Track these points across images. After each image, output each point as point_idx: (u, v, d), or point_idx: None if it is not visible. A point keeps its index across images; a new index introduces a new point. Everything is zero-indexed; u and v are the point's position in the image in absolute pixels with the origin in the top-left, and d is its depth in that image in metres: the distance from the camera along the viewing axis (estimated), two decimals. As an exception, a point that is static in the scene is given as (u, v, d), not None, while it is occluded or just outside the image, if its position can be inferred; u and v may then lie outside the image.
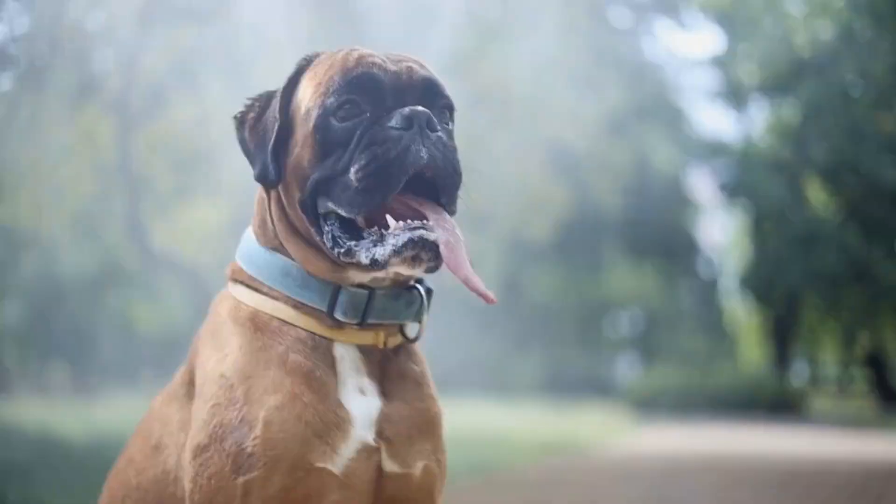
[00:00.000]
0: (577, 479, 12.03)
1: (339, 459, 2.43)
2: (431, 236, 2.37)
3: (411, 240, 2.36)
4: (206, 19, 17.50)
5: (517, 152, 19.01)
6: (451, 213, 2.51)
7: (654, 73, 34.80)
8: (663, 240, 35.40)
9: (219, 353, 2.55)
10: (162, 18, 17.14)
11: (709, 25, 33.30)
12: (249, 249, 2.69)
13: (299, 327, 2.54)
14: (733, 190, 33.94)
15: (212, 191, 17.26)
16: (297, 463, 2.38)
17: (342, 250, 2.43)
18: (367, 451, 2.47)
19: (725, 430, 22.11)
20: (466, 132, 16.73)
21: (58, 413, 16.03)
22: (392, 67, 2.53)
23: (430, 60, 2.68)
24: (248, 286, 2.64)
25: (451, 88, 2.62)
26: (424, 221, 2.40)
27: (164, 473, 2.64)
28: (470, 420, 18.08)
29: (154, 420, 2.75)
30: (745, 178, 32.69)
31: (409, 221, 2.39)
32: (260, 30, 15.92)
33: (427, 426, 2.62)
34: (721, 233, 40.96)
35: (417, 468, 2.55)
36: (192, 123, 16.84)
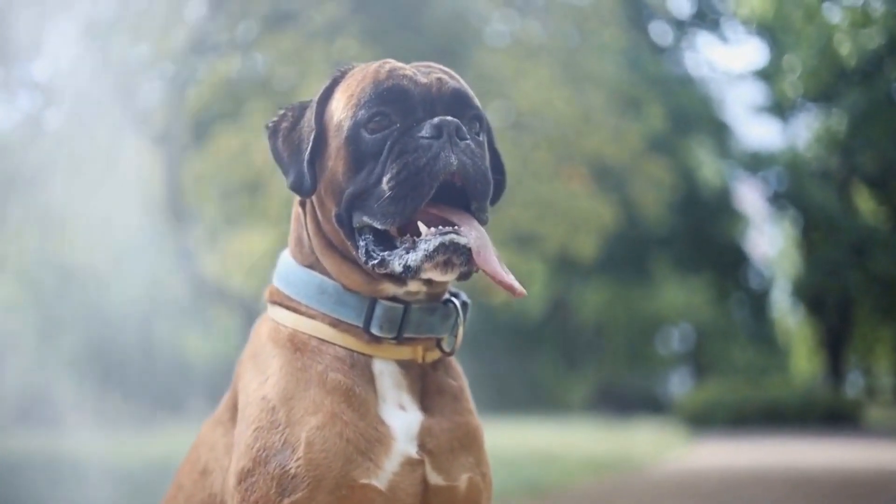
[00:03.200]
0: (631, 496, 11.98)
1: (384, 475, 2.44)
2: (462, 240, 2.39)
3: (442, 244, 2.38)
4: (247, 49, 17.63)
5: (562, 171, 18.96)
6: (482, 221, 2.52)
7: (698, 88, 34.69)
8: (712, 253, 35.24)
9: (260, 376, 2.58)
10: (206, 49, 17.27)
11: (751, 39, 33.21)
12: (286, 270, 2.72)
13: (337, 345, 2.57)
14: (781, 201, 33.76)
15: (259, 219, 17.35)
16: (341, 481, 2.40)
17: (376, 262, 2.46)
18: (411, 465, 2.48)
19: (780, 443, 21.93)
20: (510, 152, 16.77)
21: (112, 444, 16.13)
22: (422, 79, 2.56)
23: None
24: (285, 307, 2.68)
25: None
26: (455, 227, 2.41)
27: (210, 497, 2.67)
28: (522, 439, 18.04)
29: (201, 445, 2.79)
30: (793, 188, 32.54)
31: (440, 227, 2.41)
32: (301, 58, 16.01)
33: (468, 439, 2.63)
34: (770, 244, 40.69)
35: (462, 481, 2.56)
36: (237, 153, 16.95)
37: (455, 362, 2.76)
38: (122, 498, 9.56)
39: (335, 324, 2.59)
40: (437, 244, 2.38)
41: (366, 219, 2.47)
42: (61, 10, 16.19)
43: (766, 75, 31.16)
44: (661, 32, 34.91)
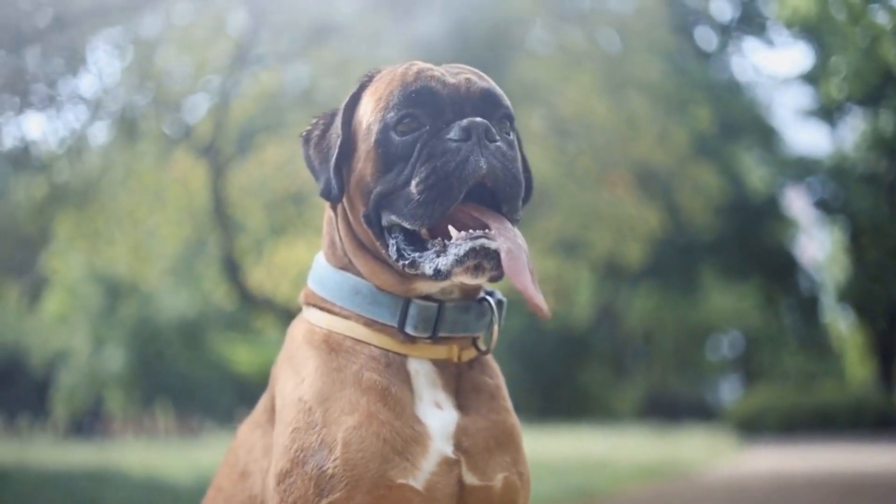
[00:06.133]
0: (681, 503, 11.91)
1: (420, 474, 2.43)
2: (493, 245, 2.36)
3: (473, 249, 2.36)
4: (291, 61, 17.70)
5: (606, 177, 18.91)
6: (514, 221, 2.50)
7: (744, 93, 34.52)
8: (761, 259, 35.02)
9: (296, 378, 2.58)
10: (250, 62, 17.36)
11: (797, 42, 32.99)
12: (320, 272, 2.73)
13: (372, 345, 2.57)
14: (829, 206, 33.51)
15: (304, 229, 17.40)
16: (378, 481, 2.39)
17: (407, 262, 2.45)
18: (448, 465, 2.47)
19: (831, 450, 21.75)
20: (554, 160, 16.74)
21: (162, 455, 16.24)
22: (451, 80, 2.54)
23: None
24: (320, 308, 2.68)
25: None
26: (486, 230, 2.40)
27: (249, 500, 2.67)
28: (571, 446, 18.01)
29: (239, 447, 2.81)
30: (841, 193, 32.29)
31: (470, 231, 2.39)
32: (345, 69, 16.06)
33: (504, 438, 2.61)
34: (819, 249, 40.41)
35: (498, 480, 2.54)
36: (282, 163, 17.02)
37: (492, 360, 2.74)
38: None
39: (370, 324, 2.59)
40: (467, 249, 2.36)
41: (394, 218, 2.46)
42: (106, 25, 16.33)
43: (812, 78, 30.95)
44: (706, 38, 34.77)
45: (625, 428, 26.36)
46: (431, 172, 2.40)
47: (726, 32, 34.88)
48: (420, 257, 2.43)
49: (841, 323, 40.83)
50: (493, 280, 2.44)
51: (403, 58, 15.23)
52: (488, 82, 2.60)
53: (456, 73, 2.58)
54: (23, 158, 16.49)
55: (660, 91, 20.19)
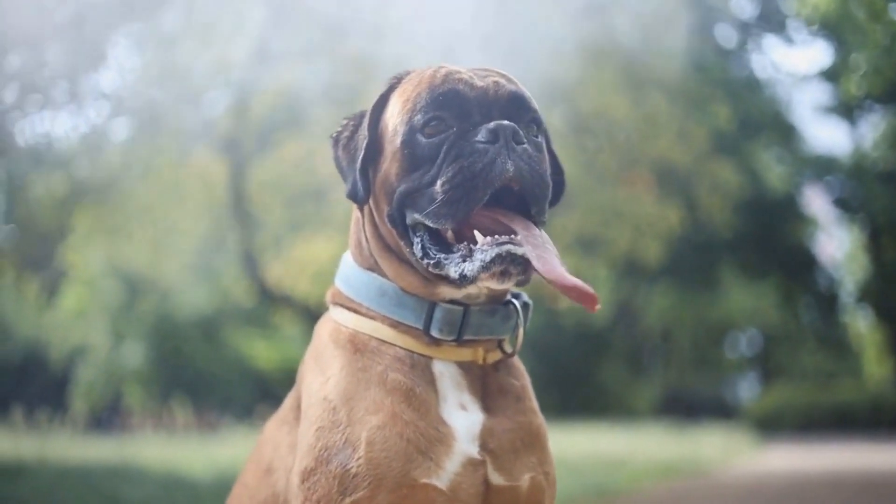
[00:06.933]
0: (698, 501, 11.90)
1: (445, 475, 2.44)
2: (519, 250, 2.36)
3: (499, 255, 2.36)
4: (311, 57, 17.71)
5: (627, 175, 18.89)
6: (541, 224, 2.51)
7: (764, 90, 34.42)
8: (779, 257, 34.88)
9: (322, 377, 2.59)
10: (269, 58, 17.38)
11: (816, 40, 32.86)
12: (347, 272, 2.73)
13: (398, 346, 2.57)
14: (848, 204, 33.39)
15: (323, 225, 17.42)
16: (402, 480, 2.40)
17: (431, 262, 2.46)
18: (473, 465, 2.47)
19: (850, 448, 21.70)
20: (574, 157, 16.72)
21: (181, 450, 16.27)
22: (479, 83, 2.54)
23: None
24: (347, 308, 2.68)
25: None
26: (512, 236, 2.39)
27: (273, 496, 2.68)
28: (589, 443, 17.99)
29: (266, 444, 2.81)
30: (860, 191, 32.16)
31: (496, 237, 2.39)
32: (366, 63, 16.05)
33: (530, 439, 2.61)
34: (839, 247, 40.26)
35: (524, 481, 2.54)
36: (302, 159, 17.03)
37: (517, 362, 2.73)
38: (189, 504, 9.63)
39: (395, 325, 2.59)
40: (493, 255, 2.36)
41: (418, 216, 2.47)
42: (126, 21, 16.36)
43: (832, 76, 30.82)
44: (725, 35, 34.66)
45: (643, 426, 26.31)
46: (458, 172, 2.41)
47: (746, 30, 34.77)
48: (446, 259, 2.43)
49: (859, 321, 40.69)
50: (519, 284, 2.46)
51: (422, 53, 15.24)
52: (517, 85, 2.60)
53: (484, 76, 2.58)
54: (45, 154, 16.55)
55: (679, 88, 20.17)
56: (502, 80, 2.58)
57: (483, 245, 2.39)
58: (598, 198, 18.00)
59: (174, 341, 30.28)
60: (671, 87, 19.44)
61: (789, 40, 34.41)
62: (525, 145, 2.46)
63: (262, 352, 30.77)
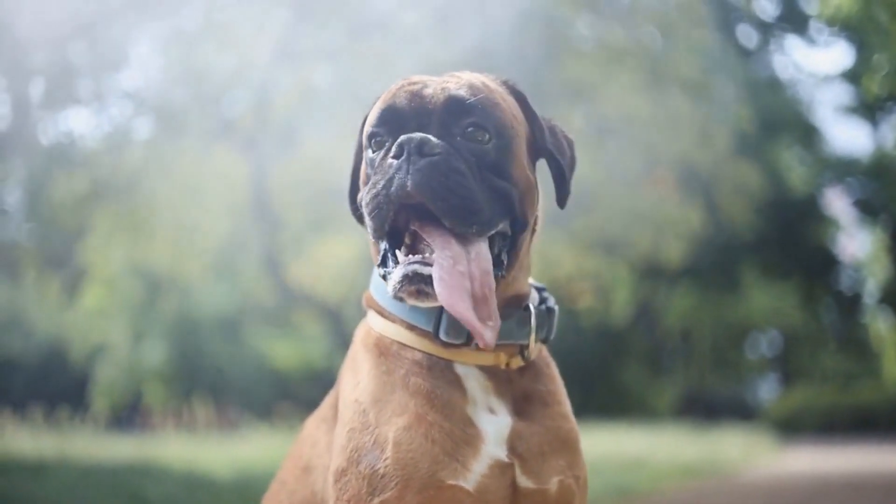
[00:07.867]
0: (719, 502, 11.87)
1: (472, 476, 2.43)
2: (426, 271, 2.35)
3: (406, 275, 2.37)
4: (333, 56, 17.72)
5: (648, 176, 18.87)
6: (480, 234, 2.41)
7: (786, 91, 34.37)
8: (801, 257, 34.82)
9: (354, 379, 2.61)
10: (291, 57, 17.41)
11: (838, 40, 32.80)
12: (375, 276, 2.73)
13: (416, 349, 2.57)
14: (869, 205, 33.30)
15: (344, 225, 17.42)
16: (428, 481, 2.41)
17: (382, 272, 2.50)
18: (500, 468, 2.47)
19: (871, 450, 21.60)
20: (596, 159, 16.69)
21: (201, 449, 16.30)
22: (427, 92, 2.50)
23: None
24: (376, 311, 2.70)
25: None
26: (424, 256, 2.37)
27: (312, 495, 2.69)
28: (609, 444, 17.94)
29: (305, 442, 2.82)
30: (882, 192, 32.07)
31: (410, 256, 2.39)
32: (386, 63, 16.06)
33: (559, 443, 2.60)
34: (860, 248, 40.15)
35: (552, 484, 2.53)
36: (323, 159, 17.04)
37: (547, 367, 2.72)
38: (209, 503, 9.64)
39: (411, 328, 2.60)
40: (401, 275, 2.37)
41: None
42: (149, 21, 16.41)
43: (853, 76, 30.76)
44: (747, 35, 34.64)
45: (663, 427, 26.23)
46: (370, 189, 2.43)
47: (768, 30, 34.76)
48: (389, 272, 2.45)
49: (880, 323, 40.55)
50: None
51: (445, 54, 15.23)
52: (465, 89, 2.50)
53: (441, 83, 2.53)
54: (67, 152, 16.62)
55: (701, 89, 20.12)
56: (451, 85, 2.51)
57: (403, 263, 2.39)
58: (620, 199, 17.97)
59: (195, 340, 30.34)
60: (693, 88, 19.40)
61: (811, 41, 34.41)
62: (435, 157, 2.37)
63: (282, 351, 30.80)
